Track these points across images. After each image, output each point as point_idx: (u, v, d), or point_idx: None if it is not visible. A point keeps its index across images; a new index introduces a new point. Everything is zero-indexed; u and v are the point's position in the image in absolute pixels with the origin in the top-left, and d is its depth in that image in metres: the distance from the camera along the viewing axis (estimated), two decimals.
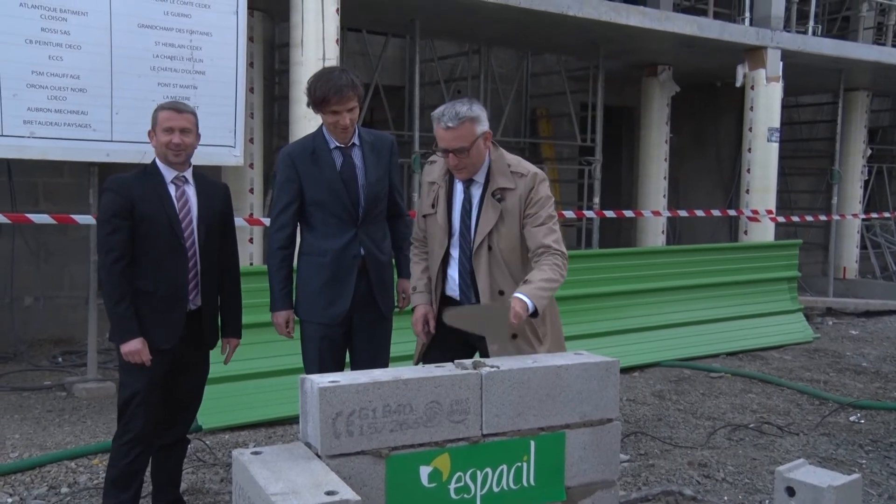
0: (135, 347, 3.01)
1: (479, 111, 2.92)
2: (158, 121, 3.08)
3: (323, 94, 3.11)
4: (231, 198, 3.39)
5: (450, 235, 3.06)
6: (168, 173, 3.12)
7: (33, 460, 4.00)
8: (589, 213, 8.87)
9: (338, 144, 3.25)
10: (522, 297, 2.73)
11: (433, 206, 3.09)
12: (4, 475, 3.84)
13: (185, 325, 3.13)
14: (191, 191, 3.16)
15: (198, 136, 3.20)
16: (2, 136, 4.77)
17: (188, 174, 3.18)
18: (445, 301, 3.12)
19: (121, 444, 3.12)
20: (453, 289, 3.10)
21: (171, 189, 3.12)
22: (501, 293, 2.97)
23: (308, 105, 3.23)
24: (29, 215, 5.50)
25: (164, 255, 3.06)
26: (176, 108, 3.12)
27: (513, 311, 2.70)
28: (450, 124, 2.86)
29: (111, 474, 3.14)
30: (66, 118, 4.95)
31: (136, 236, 3.04)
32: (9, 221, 5.58)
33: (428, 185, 3.14)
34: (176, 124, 3.06)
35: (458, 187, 3.07)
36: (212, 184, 3.29)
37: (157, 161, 3.13)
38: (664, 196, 9.89)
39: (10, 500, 3.61)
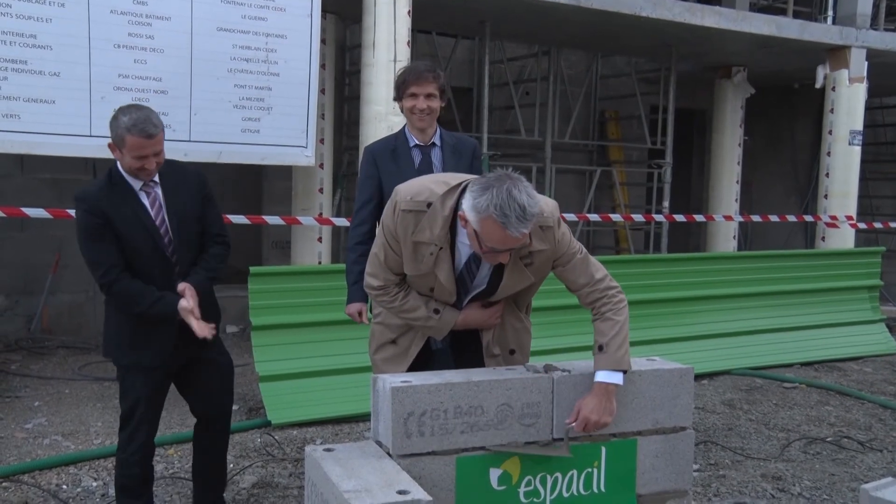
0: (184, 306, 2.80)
1: (536, 197, 2.32)
2: (127, 145, 2.77)
3: (403, 77, 3.20)
4: (206, 181, 3.06)
5: (457, 294, 2.59)
6: (135, 182, 2.88)
7: (114, 447, 4.14)
8: (658, 217, 8.71)
9: (417, 143, 3.29)
10: (606, 381, 2.42)
11: (432, 266, 2.51)
12: (90, 460, 4.02)
13: (177, 334, 2.92)
14: (159, 191, 2.92)
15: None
16: (90, 136, 4.99)
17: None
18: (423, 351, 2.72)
19: (128, 454, 2.99)
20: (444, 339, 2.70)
21: (143, 198, 2.88)
22: (513, 352, 2.69)
23: (394, 99, 3.33)
24: None
25: (150, 271, 2.86)
26: (146, 132, 2.75)
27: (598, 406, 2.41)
28: (522, 230, 2.25)
29: (120, 483, 3.01)
30: None
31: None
32: None
33: (413, 245, 2.46)
34: (150, 151, 2.78)
35: (464, 249, 2.50)
36: (179, 176, 3.00)
37: (121, 170, 2.88)
38: (736, 200, 9.64)
39: (94, 483, 3.77)
